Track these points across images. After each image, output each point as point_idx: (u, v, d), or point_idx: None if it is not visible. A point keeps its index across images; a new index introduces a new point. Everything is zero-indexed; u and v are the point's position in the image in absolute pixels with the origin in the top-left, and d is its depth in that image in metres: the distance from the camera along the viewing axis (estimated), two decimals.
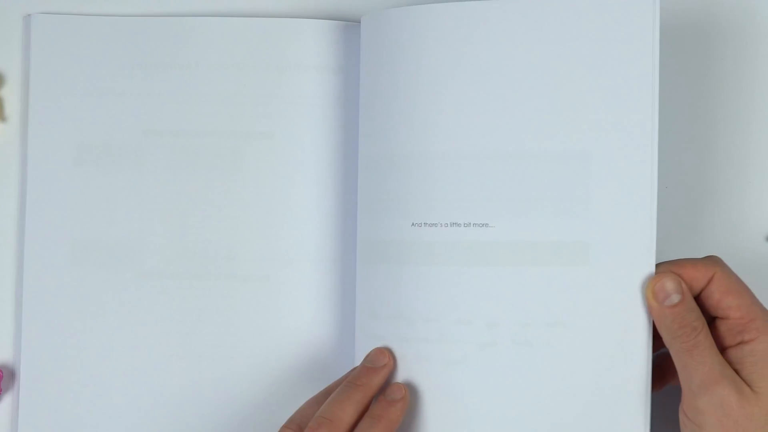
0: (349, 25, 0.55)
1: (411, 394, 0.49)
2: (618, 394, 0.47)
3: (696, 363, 0.45)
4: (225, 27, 0.55)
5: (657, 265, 0.47)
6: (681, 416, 0.47)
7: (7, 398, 0.55)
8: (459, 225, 0.48)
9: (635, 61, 0.47)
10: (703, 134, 0.55)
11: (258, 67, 0.55)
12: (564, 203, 0.48)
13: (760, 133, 0.55)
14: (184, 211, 0.54)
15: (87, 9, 0.57)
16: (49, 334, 0.54)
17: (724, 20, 0.55)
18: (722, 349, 0.46)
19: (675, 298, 0.46)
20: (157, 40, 0.55)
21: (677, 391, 0.47)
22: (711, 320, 0.47)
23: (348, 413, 0.48)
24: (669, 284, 0.46)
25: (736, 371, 0.45)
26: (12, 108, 0.57)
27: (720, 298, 0.46)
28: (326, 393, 0.50)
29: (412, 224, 0.49)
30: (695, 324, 0.45)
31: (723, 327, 0.46)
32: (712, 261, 0.47)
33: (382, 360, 0.50)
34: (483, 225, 0.48)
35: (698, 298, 0.47)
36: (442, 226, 0.49)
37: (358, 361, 0.51)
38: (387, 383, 0.50)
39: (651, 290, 0.46)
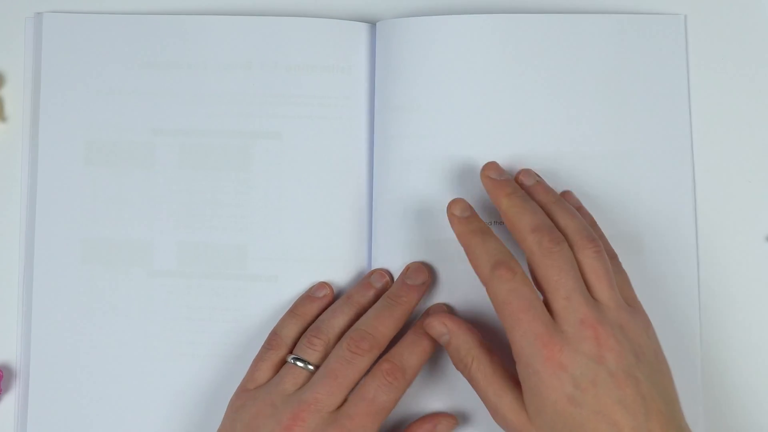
0: (358, 25, 0.55)
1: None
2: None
3: (479, 393, 0.47)
4: (233, 26, 0.55)
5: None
6: None
7: (8, 398, 0.55)
8: None
9: (670, 74, 0.54)
10: (703, 134, 0.55)
11: (266, 67, 0.55)
12: (618, 199, 0.53)
13: (761, 133, 0.55)
14: (193, 210, 0.54)
15: (91, 7, 0.57)
16: (60, 333, 0.54)
17: (725, 21, 0.56)
18: None
19: (444, 338, 0.48)
20: (167, 38, 0.55)
21: None
22: None
23: (389, 329, 0.49)
24: (436, 328, 0.48)
25: None
26: (13, 108, 0.56)
27: None
28: (348, 303, 0.50)
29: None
30: (466, 361, 0.47)
31: None
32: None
33: (422, 277, 0.51)
34: None
35: None
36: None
37: None
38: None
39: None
